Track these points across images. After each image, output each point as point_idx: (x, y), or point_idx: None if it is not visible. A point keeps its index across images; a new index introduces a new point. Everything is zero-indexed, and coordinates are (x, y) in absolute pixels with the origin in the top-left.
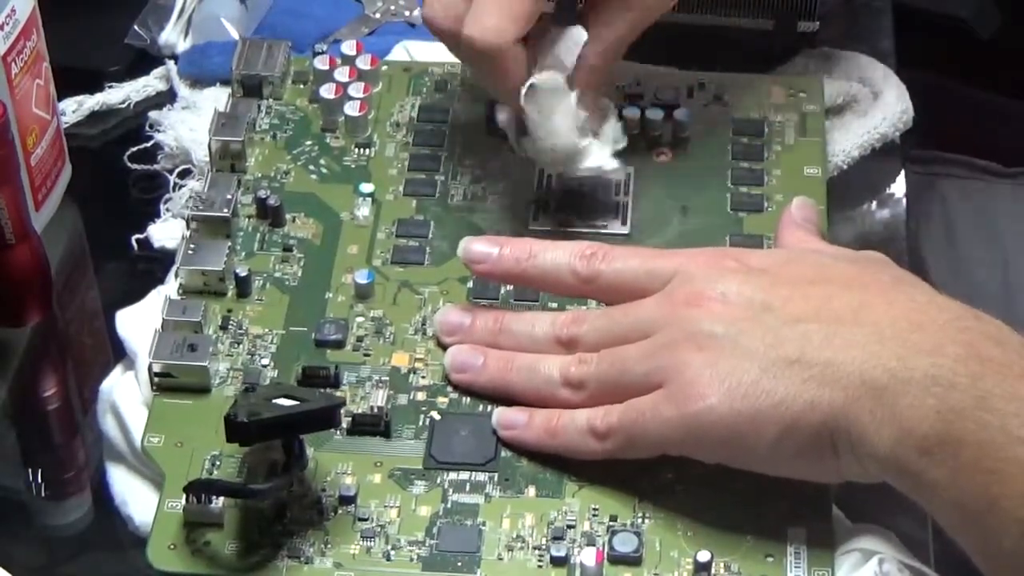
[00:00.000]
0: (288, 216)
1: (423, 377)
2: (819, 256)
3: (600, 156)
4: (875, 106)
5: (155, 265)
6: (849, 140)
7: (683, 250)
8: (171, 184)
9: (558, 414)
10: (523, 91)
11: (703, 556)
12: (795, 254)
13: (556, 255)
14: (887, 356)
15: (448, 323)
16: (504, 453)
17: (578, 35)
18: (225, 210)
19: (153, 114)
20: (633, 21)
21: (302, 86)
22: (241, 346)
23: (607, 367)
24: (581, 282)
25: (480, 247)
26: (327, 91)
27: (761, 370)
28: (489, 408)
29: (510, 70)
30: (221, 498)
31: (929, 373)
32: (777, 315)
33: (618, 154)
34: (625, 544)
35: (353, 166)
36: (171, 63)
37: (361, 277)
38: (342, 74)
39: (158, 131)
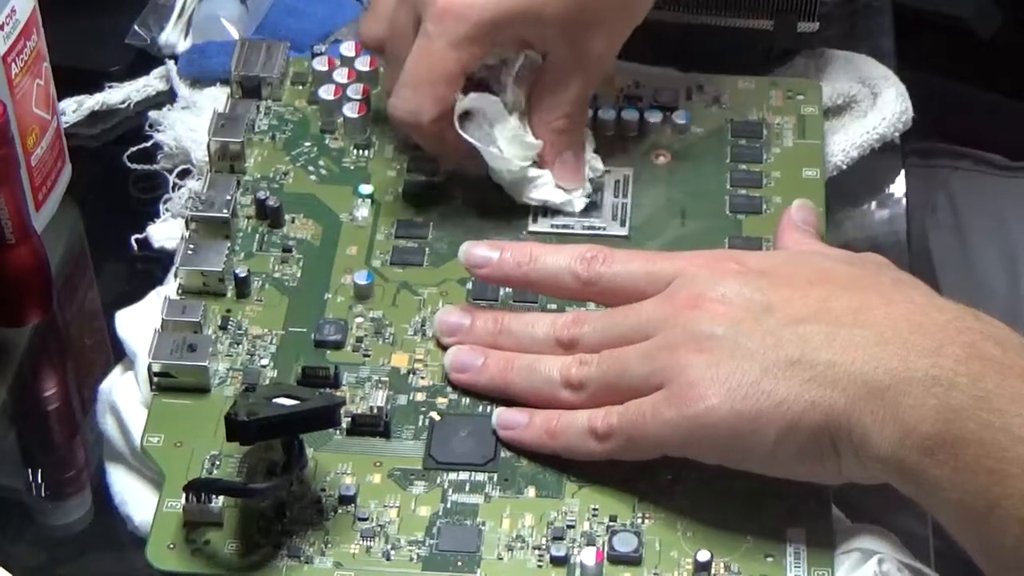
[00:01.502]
0: (287, 217)
1: (423, 378)
2: (819, 258)
3: (550, 191)
4: (875, 107)
5: (155, 265)
6: (848, 140)
7: (683, 252)
8: (171, 184)
9: (558, 415)
10: (456, 114)
11: (703, 556)
12: (795, 256)
13: (557, 259)
14: (888, 357)
15: (448, 324)
16: (504, 453)
17: (532, 58)
18: (224, 211)
19: (153, 114)
20: (587, 78)
21: (301, 87)
22: (240, 346)
23: (607, 368)
24: (582, 285)
25: (481, 251)
26: (326, 92)
27: (762, 371)
28: (489, 409)
29: (439, 141)
30: (221, 498)
31: (930, 374)
32: (777, 316)
33: (592, 181)
34: (625, 544)
35: (352, 167)
36: (171, 63)
37: (360, 278)
38: (341, 75)
39: (158, 131)
